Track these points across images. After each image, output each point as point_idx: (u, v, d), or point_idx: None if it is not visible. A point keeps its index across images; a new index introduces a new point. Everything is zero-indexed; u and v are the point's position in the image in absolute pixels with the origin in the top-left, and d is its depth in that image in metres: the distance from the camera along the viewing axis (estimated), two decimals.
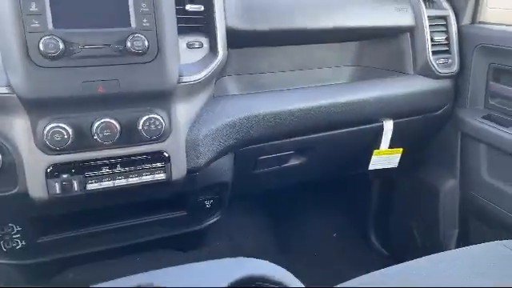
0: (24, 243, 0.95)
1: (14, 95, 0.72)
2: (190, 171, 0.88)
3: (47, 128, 0.73)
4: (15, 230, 0.92)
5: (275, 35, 1.03)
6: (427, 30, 1.20)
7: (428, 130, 1.34)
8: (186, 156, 0.87)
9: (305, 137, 1.09)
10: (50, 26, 0.71)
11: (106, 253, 1.08)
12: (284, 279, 0.63)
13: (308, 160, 1.18)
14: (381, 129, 1.19)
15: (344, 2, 1.14)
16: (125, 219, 1.05)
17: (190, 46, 0.87)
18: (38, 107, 0.74)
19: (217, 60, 0.88)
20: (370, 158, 1.23)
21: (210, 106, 0.92)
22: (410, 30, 1.21)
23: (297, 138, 1.08)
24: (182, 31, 0.84)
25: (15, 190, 0.77)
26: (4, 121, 0.75)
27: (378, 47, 1.27)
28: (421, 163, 1.43)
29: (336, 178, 1.58)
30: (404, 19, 1.19)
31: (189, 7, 0.85)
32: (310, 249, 1.59)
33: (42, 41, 0.70)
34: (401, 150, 1.25)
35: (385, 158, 1.24)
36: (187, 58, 0.86)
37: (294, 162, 1.17)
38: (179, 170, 0.86)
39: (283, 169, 1.17)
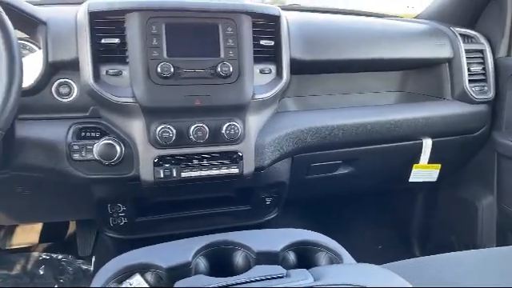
0: (126, 221, 1.21)
1: (137, 104, 0.99)
2: (256, 169, 1.11)
3: (158, 128, 1.00)
4: (121, 209, 1.19)
5: (329, 65, 1.26)
6: (464, 62, 1.37)
7: (466, 150, 1.48)
8: (254, 156, 1.10)
9: (352, 149, 1.29)
10: (165, 55, 0.99)
11: (183, 236, 1.32)
12: (333, 246, 0.82)
13: (354, 170, 1.37)
14: (420, 146, 1.36)
15: (390, 36, 1.35)
16: (201, 208, 1.29)
17: (261, 71, 1.11)
18: (152, 113, 1.01)
19: (281, 83, 1.12)
20: (411, 172, 1.40)
21: (274, 119, 1.16)
22: (449, 61, 1.38)
23: (345, 150, 1.28)
24: (256, 60, 1.08)
25: (131, 174, 1.03)
26: (128, 122, 1.02)
27: (419, 76, 1.45)
28: (460, 180, 1.57)
29: (380, 191, 1.74)
30: (443, 52, 1.37)
31: (263, 42, 1.10)
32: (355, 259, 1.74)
33: (159, 65, 0.98)
34: (439, 166, 1.41)
35: (424, 172, 1.40)
36: (259, 80, 1.10)
37: (341, 171, 1.36)
38: (249, 166, 1.09)
39: (332, 177, 1.37)
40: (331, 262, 0.83)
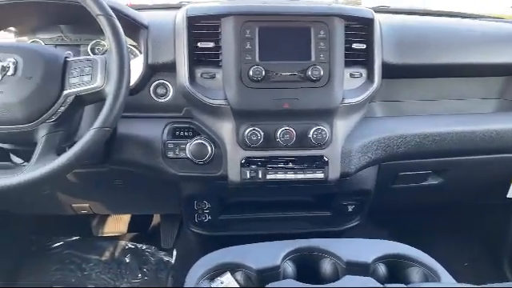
0: (210, 218, 1.26)
1: (228, 106, 1.02)
2: (342, 175, 1.09)
3: (247, 131, 1.02)
4: (206, 206, 1.23)
5: (422, 69, 1.19)
6: None
7: None
8: (340, 162, 1.08)
9: (443, 159, 1.21)
10: (257, 59, 1.01)
11: (262, 237, 1.34)
12: (428, 262, 0.78)
13: (444, 181, 1.28)
14: None
15: (491, 39, 1.25)
16: (281, 211, 1.29)
17: (352, 75, 1.08)
18: (242, 115, 1.03)
19: (372, 87, 1.08)
20: (509, 187, 1.28)
21: (362, 124, 1.12)
22: None
23: (436, 160, 1.21)
24: (347, 63, 1.06)
25: (219, 174, 1.06)
26: (218, 123, 1.05)
27: None
28: None
29: (471, 204, 1.62)
30: None
31: (354, 45, 1.07)
32: None
33: (251, 69, 1.00)
34: None
35: None
36: (349, 84, 1.07)
37: (430, 181, 1.28)
38: (334, 172, 1.07)
39: (420, 187, 1.30)
40: (425, 278, 0.78)
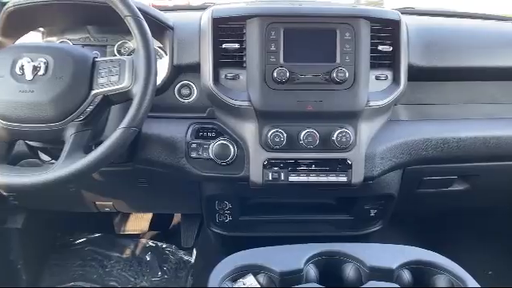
0: (230, 218, 1.26)
1: (252, 107, 1.02)
2: (365, 179, 1.07)
3: (270, 132, 1.02)
4: (227, 206, 1.24)
5: (450, 72, 1.16)
6: None
7: None
8: (364, 166, 1.06)
9: (471, 164, 1.18)
10: (282, 60, 1.01)
11: (282, 239, 1.33)
12: (454, 269, 0.76)
13: (471, 187, 1.25)
14: None
15: None
16: (302, 214, 1.29)
17: (377, 77, 1.07)
18: (265, 117, 1.03)
19: (398, 90, 1.06)
20: None
21: (387, 128, 1.11)
22: None
23: (462, 164, 1.18)
24: (372, 66, 1.05)
25: (241, 175, 1.06)
26: (241, 124, 1.05)
27: None
28: None
29: (499, 211, 1.57)
30: None
31: (380, 47, 1.05)
32: None
33: (275, 71, 1.00)
34: None
35: None
36: (374, 87, 1.06)
37: (456, 187, 1.25)
38: (358, 176, 1.06)
39: (445, 192, 1.27)
40: (452, 286, 0.77)
